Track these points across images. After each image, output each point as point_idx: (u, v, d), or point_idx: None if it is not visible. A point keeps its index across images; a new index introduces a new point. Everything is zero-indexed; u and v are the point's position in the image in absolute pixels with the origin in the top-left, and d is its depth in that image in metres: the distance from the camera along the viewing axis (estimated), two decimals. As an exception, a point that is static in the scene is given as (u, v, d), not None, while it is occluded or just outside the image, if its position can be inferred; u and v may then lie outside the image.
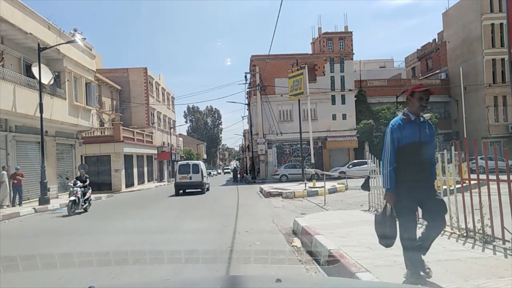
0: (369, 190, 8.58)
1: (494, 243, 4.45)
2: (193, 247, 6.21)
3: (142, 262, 5.38)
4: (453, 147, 5.47)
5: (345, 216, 7.85)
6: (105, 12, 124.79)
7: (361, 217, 7.50)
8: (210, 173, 41.16)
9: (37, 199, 16.14)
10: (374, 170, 8.57)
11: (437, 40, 39.29)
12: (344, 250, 4.58)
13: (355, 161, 29.31)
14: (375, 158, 8.86)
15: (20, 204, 15.24)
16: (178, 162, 24.29)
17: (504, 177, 4.27)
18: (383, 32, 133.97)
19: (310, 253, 5.55)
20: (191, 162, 21.64)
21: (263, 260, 5.24)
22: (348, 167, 27.84)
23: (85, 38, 19.18)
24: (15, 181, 15.11)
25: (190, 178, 19.79)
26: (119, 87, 37.57)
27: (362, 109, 34.06)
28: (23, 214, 13.32)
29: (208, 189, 21.44)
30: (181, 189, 19.98)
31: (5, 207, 14.37)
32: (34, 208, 14.37)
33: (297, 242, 6.43)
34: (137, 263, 5.36)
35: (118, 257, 5.49)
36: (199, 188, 19.91)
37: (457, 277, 3.40)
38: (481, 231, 4.72)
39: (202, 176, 19.99)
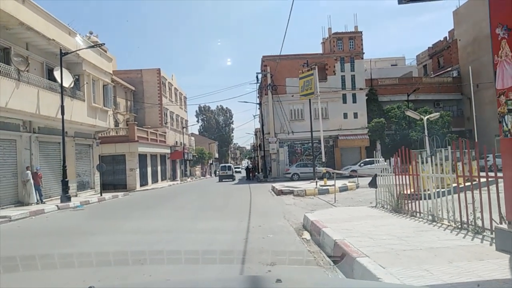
0: (376, 188, 9.03)
1: (484, 234, 4.91)
2: (214, 238, 6.83)
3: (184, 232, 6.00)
4: (449, 147, 5.90)
5: (352, 211, 8.33)
6: (117, 12, 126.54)
7: (367, 212, 7.97)
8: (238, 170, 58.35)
9: (58, 197, 16.97)
10: (386, 169, 8.65)
11: (448, 38, 39.18)
12: (348, 240, 5.09)
13: (367, 159, 29.56)
14: (381, 156, 9.27)
15: (41, 201, 16.05)
16: (220, 164, 45.79)
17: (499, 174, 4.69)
18: (395, 29, 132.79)
19: (318, 244, 6.07)
20: (226, 164, 41.60)
21: (275, 250, 5.80)
22: (359, 165, 28.10)
23: (104, 44, 19.91)
24: (34, 181, 15.89)
25: (226, 172, 37.96)
26: (133, 88, 38.47)
27: (373, 108, 34.26)
28: (47, 211, 14.11)
29: (234, 179, 37.51)
30: (222, 179, 37.01)
31: (33, 204, 15.18)
32: (57, 206, 15.17)
33: (306, 235, 6.96)
34: (177, 239, 5.98)
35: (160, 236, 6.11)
36: (231, 178, 37.19)
37: (443, 260, 3.89)
38: (473, 223, 5.18)
39: (232, 172, 39.04)
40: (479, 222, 5.11)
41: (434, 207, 6.19)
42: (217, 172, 42.87)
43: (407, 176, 7.37)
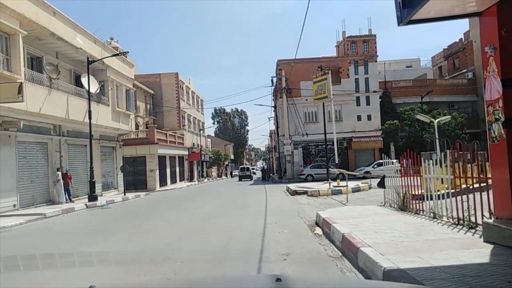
0: (384, 188, 9.64)
1: (477, 229, 5.51)
2: (235, 233, 7.64)
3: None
4: (448, 151, 6.51)
5: (361, 210, 8.96)
6: (136, 16, 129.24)
7: (375, 210, 8.59)
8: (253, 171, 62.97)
9: (85, 196, 18.06)
10: (397, 170, 8.99)
11: (463, 39, 39.12)
12: (355, 233, 5.75)
13: (380, 161, 29.93)
14: (394, 158, 9.84)
15: (70, 201, 17.13)
16: (240, 166, 52.56)
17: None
18: (410, 31, 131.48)
19: (329, 238, 6.75)
20: (245, 166, 49.28)
21: (290, 243, 6.51)
22: (373, 167, 28.48)
23: (128, 52, 20.97)
24: (64, 181, 16.97)
25: (245, 173, 43.43)
26: (152, 92, 39.71)
27: (387, 110, 34.54)
28: (77, 209, 15.15)
29: (252, 179, 43.50)
30: (242, 179, 42.15)
31: (62, 203, 16.25)
32: (86, 204, 16.22)
33: (318, 230, 7.65)
34: (205, 233, 6.77)
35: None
36: (249, 178, 42.90)
37: (435, 249, 4.53)
38: (467, 220, 5.78)
39: (250, 172, 45.46)
40: (473, 219, 5.71)
41: (435, 205, 6.80)
42: (234, 173, 55.82)
43: (412, 177, 7.98)
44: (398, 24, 5.36)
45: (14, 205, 14.28)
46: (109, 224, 11.03)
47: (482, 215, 5.41)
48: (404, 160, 8.17)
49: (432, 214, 6.88)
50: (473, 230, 5.50)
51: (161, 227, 9.57)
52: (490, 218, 5.13)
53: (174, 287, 1.80)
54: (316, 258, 5.49)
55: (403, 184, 8.20)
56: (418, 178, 7.66)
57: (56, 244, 8.15)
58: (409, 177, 8.00)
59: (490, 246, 4.54)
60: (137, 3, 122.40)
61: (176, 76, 41.40)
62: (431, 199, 7.04)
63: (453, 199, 6.37)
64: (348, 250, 5.34)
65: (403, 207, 8.15)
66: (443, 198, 6.80)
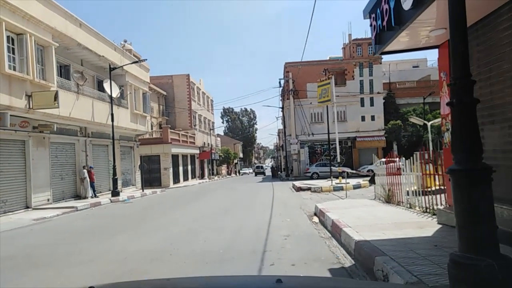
0: (374, 184, 11.09)
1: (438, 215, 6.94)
2: (246, 221, 9.18)
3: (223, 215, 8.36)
4: (417, 152, 7.94)
5: (354, 202, 10.43)
6: (149, 17, 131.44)
7: (365, 203, 10.05)
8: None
9: (106, 192, 19.79)
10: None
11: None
12: (342, 219, 7.22)
13: (383, 159, 31.19)
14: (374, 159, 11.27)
15: (95, 196, 18.83)
16: (256, 164, 73.47)
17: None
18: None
19: (323, 224, 8.23)
20: (260, 165, 68.57)
21: (290, 228, 8.00)
22: (376, 165, 29.73)
23: (146, 59, 22.60)
24: (90, 178, 18.67)
25: (260, 170, 57.86)
26: (164, 93, 41.45)
27: (391, 110, 35.77)
28: (103, 203, 16.82)
29: (265, 174, 55.39)
30: (257, 174, 56.05)
31: (88, 198, 17.97)
32: (110, 199, 17.90)
33: (315, 219, 9.13)
34: (220, 221, 8.33)
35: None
36: (263, 174, 55.24)
37: (398, 228, 5.98)
38: (431, 208, 7.22)
39: (263, 169, 59.41)
40: (436, 207, 7.15)
41: (411, 198, 8.25)
42: (242, 171, 71.00)
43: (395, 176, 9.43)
44: (374, 54, 6.83)
45: (48, 199, 16.01)
46: (138, 214, 12.64)
47: (441, 204, 6.85)
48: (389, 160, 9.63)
49: (408, 205, 8.32)
50: (435, 216, 6.93)
51: (187, 214, 11.17)
52: (446, 206, 6.57)
53: (174, 286, 1.81)
54: (310, 238, 6.97)
55: (388, 181, 9.66)
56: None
57: (93, 231, 9.79)
58: (392, 176, 9.45)
59: (439, 226, 5.99)
60: (149, 4, 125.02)
61: (187, 78, 43.08)
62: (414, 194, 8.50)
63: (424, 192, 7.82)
64: (335, 231, 6.82)
65: (388, 200, 9.60)
66: (418, 193, 8.24)
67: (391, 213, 7.84)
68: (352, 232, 5.91)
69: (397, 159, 9.72)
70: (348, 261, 5.04)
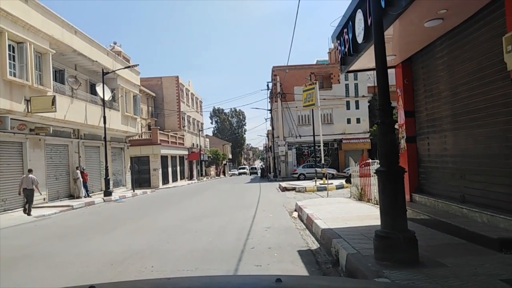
0: (351, 183, 12.22)
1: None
2: (232, 217, 10.19)
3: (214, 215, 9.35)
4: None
5: (330, 200, 11.53)
6: (137, 17, 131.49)
7: (340, 200, 11.17)
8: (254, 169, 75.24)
9: (98, 192, 20.56)
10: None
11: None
12: (315, 213, 8.27)
13: (368, 161, 32.46)
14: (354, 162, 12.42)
15: (88, 195, 19.59)
16: (251, 166, 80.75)
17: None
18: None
19: (300, 219, 9.29)
20: (242, 166, 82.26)
21: (272, 222, 9.03)
22: (350, 168, 31.00)
23: (137, 64, 23.42)
24: (82, 179, 19.41)
25: (253, 170, 69.30)
26: (154, 94, 42.13)
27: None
28: (97, 202, 17.63)
29: (247, 174, 66.04)
30: (252, 174, 63.88)
31: (81, 197, 18.75)
32: (103, 199, 18.70)
33: (295, 214, 10.19)
34: (211, 216, 9.32)
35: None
36: (256, 173, 62.30)
37: (360, 220, 7.06)
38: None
39: (247, 170, 72.73)
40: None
41: (377, 195, 9.37)
42: (230, 173, 71.43)
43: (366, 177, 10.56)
44: (341, 73, 7.92)
45: (44, 199, 16.75)
46: (132, 212, 13.53)
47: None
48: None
49: (375, 202, 9.44)
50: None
51: (180, 211, 12.12)
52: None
53: (174, 286, 1.81)
54: (287, 230, 8.00)
55: (360, 182, 10.79)
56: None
57: (97, 225, 10.69)
58: (364, 177, 10.59)
59: (395, 218, 7.09)
60: (137, 4, 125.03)
61: (176, 79, 43.84)
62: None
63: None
64: (309, 223, 7.88)
65: (360, 198, 10.72)
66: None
67: (359, 208, 8.94)
68: (321, 223, 6.97)
69: (371, 161, 10.87)
70: (315, 246, 6.10)
